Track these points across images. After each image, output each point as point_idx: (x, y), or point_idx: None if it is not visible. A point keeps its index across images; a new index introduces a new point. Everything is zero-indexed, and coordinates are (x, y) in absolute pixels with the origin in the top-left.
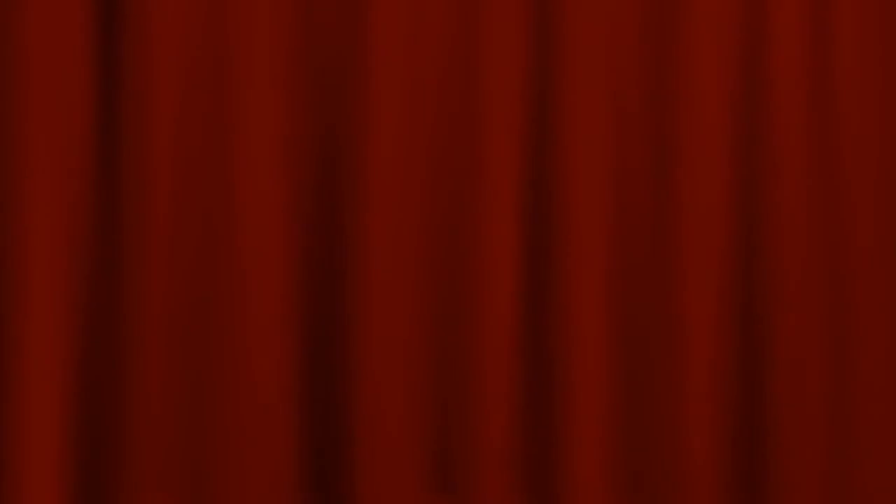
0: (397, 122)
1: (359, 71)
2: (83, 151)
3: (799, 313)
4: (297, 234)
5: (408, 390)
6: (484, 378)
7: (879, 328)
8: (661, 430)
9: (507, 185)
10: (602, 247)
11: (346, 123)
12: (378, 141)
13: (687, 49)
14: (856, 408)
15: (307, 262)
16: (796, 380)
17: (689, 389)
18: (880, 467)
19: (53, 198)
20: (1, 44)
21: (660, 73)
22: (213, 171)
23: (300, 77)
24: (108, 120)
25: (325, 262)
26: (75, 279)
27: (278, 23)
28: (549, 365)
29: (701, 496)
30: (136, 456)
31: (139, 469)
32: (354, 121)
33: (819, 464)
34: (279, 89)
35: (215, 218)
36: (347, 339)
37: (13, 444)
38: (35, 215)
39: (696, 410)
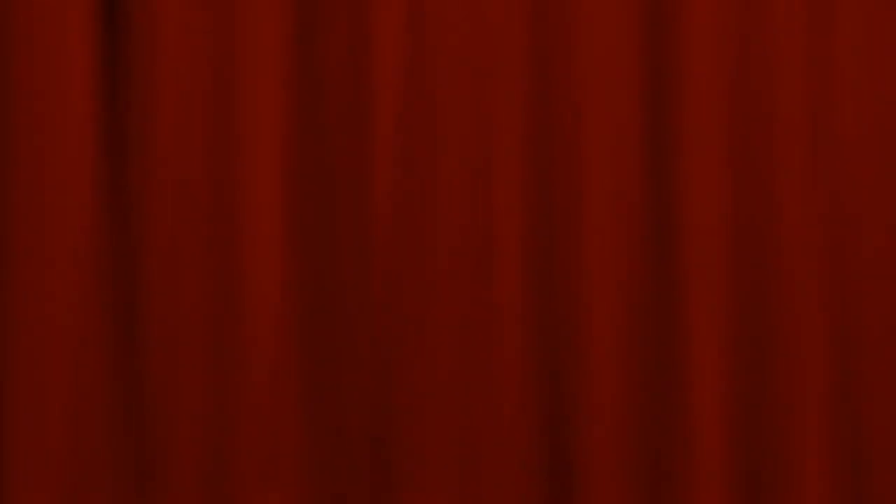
0: (399, 124)
1: (361, 70)
2: (84, 152)
3: (802, 313)
4: (300, 235)
5: (413, 391)
6: (496, 382)
7: (882, 327)
8: (668, 429)
9: (511, 187)
10: (604, 247)
11: (349, 124)
12: (380, 142)
13: (687, 49)
14: (860, 408)
15: (310, 262)
16: (801, 379)
17: (694, 390)
18: (885, 467)
19: (54, 198)
20: (2, 44)
21: (660, 74)
22: (216, 171)
23: (302, 77)
24: (111, 121)
25: (329, 263)
26: (77, 279)
27: (281, 23)
28: (562, 365)
29: (709, 500)
30: (137, 455)
31: (140, 469)
32: (356, 121)
33: (826, 467)
34: (282, 90)
35: (218, 219)
36: (349, 340)
37: (13, 443)
38: (36, 215)
39: (703, 412)
